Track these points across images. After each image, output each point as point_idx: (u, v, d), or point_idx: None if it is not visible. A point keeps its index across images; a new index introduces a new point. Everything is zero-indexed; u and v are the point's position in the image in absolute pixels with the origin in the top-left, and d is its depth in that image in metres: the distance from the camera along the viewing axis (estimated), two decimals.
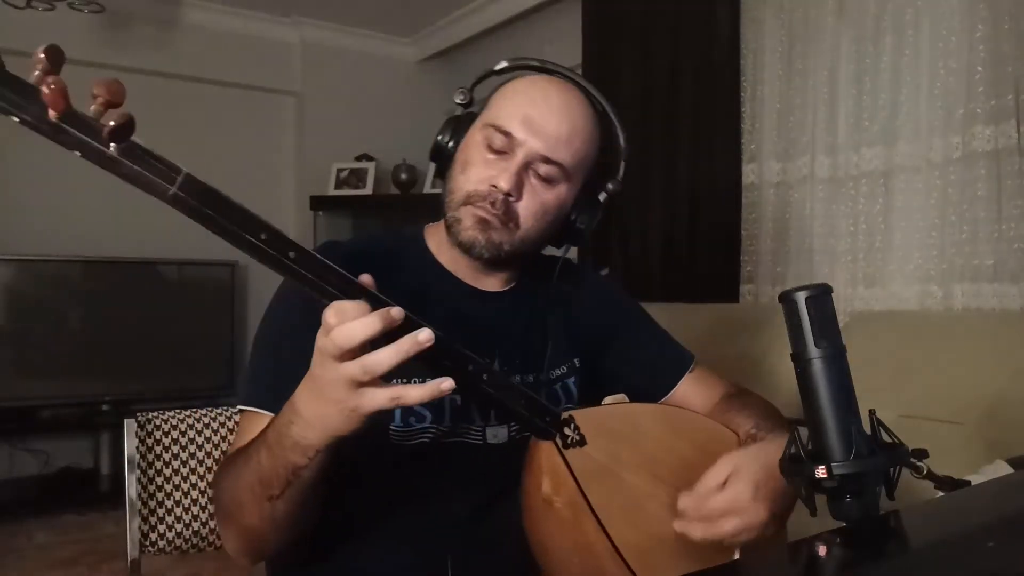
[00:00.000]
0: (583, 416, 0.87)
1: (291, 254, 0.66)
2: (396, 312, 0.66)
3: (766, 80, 2.68)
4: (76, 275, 3.55)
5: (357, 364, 0.65)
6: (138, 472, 1.22)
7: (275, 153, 4.28)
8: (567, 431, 0.86)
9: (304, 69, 4.24)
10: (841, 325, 0.67)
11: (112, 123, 0.57)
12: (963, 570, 0.51)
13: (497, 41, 3.94)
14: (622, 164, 1.03)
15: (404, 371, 0.89)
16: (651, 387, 1.08)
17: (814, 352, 0.65)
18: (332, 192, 4.06)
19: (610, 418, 0.91)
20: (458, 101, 1.00)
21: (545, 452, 0.86)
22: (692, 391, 1.08)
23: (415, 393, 0.67)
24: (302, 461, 0.73)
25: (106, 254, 3.60)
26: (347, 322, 0.64)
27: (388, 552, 0.93)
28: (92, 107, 0.59)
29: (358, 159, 4.13)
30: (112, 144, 0.59)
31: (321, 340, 0.66)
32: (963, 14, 2.13)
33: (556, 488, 0.85)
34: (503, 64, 1.00)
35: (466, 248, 0.94)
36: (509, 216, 0.92)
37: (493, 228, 0.92)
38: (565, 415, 0.86)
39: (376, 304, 0.67)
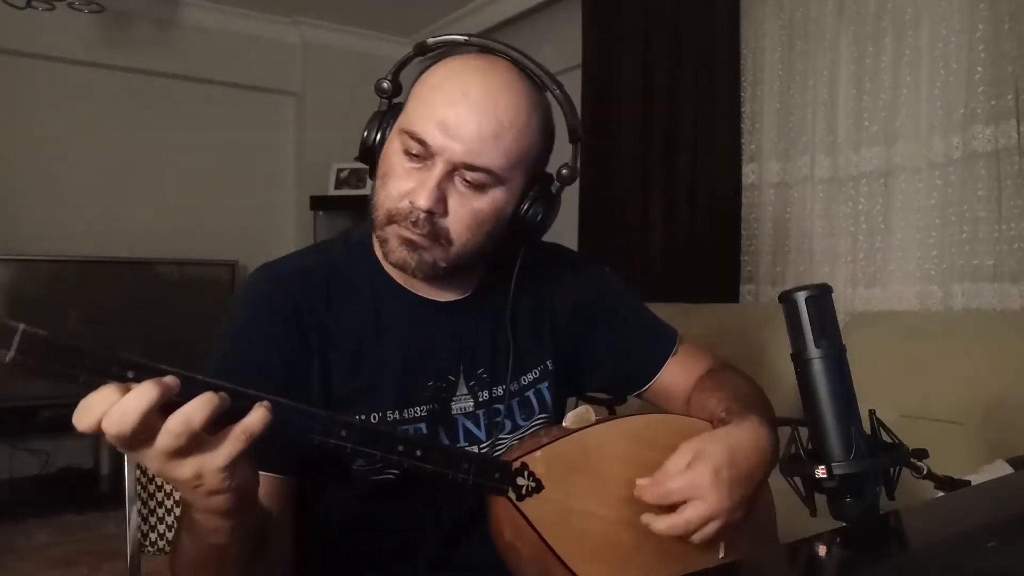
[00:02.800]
0: (537, 459, 0.83)
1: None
2: (170, 379, 0.56)
3: (766, 80, 2.68)
4: (75, 275, 3.55)
5: (165, 430, 0.56)
6: (138, 472, 1.22)
7: (275, 153, 4.28)
8: (521, 480, 0.81)
9: (304, 69, 4.24)
10: (841, 325, 0.67)
11: None
12: (963, 570, 0.51)
13: (497, 41, 3.93)
14: (575, 147, 0.90)
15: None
16: (635, 374, 1.04)
17: (814, 352, 0.65)
18: (332, 192, 4.06)
19: (568, 451, 0.85)
20: (381, 93, 0.88)
21: (502, 504, 0.82)
22: (676, 373, 1.03)
23: (222, 452, 0.58)
24: (222, 541, 0.66)
25: (106, 254, 3.60)
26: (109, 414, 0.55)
27: None
28: None
29: (358, 159, 4.12)
30: None
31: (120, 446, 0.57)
32: (963, 14, 2.13)
33: (518, 537, 0.82)
34: (427, 42, 0.87)
35: (399, 269, 0.85)
36: (437, 233, 0.82)
37: (422, 248, 0.82)
38: (517, 464, 0.81)
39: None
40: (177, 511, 1.24)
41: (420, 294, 0.92)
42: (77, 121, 3.69)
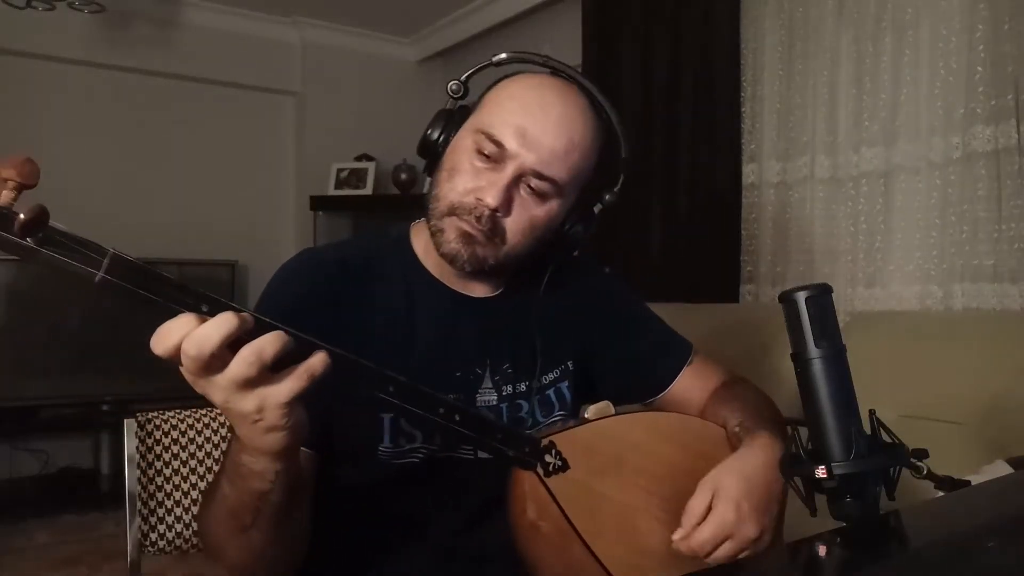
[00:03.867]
0: (564, 439, 0.85)
1: None
2: (247, 316, 0.59)
3: (766, 80, 2.68)
4: None
5: (239, 358, 0.59)
6: (138, 472, 1.22)
7: (275, 153, 4.28)
8: (548, 458, 0.84)
9: (304, 69, 4.24)
10: (841, 325, 0.67)
11: (23, 217, 0.54)
12: (963, 570, 0.51)
13: (497, 41, 3.94)
14: (621, 176, 0.97)
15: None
16: (649, 383, 1.06)
17: (814, 352, 0.65)
18: (332, 192, 4.06)
19: (592, 436, 0.88)
20: (451, 93, 0.93)
21: (528, 480, 0.84)
22: (689, 385, 1.06)
23: (285, 387, 0.61)
24: (264, 487, 0.68)
25: None
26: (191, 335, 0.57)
27: (381, 570, 0.92)
28: (3, 192, 0.55)
29: (358, 159, 4.13)
30: (28, 238, 0.55)
31: (193, 371, 0.59)
32: (963, 14, 2.13)
33: (541, 514, 0.84)
34: (503, 56, 0.93)
35: (448, 260, 0.89)
36: (495, 231, 0.87)
37: (477, 243, 0.87)
38: (545, 441, 0.84)
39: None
40: (178, 511, 1.24)
41: (453, 288, 0.96)
42: (77, 121, 3.69)
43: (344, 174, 4.09)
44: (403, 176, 4.05)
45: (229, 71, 4.04)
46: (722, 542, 0.81)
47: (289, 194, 4.29)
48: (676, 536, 0.83)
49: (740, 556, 0.82)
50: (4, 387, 3.32)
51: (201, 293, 0.60)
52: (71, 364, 3.46)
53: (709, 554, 0.81)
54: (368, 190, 4.02)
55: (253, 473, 0.68)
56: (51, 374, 3.44)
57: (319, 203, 4.03)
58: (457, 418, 0.75)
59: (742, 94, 2.75)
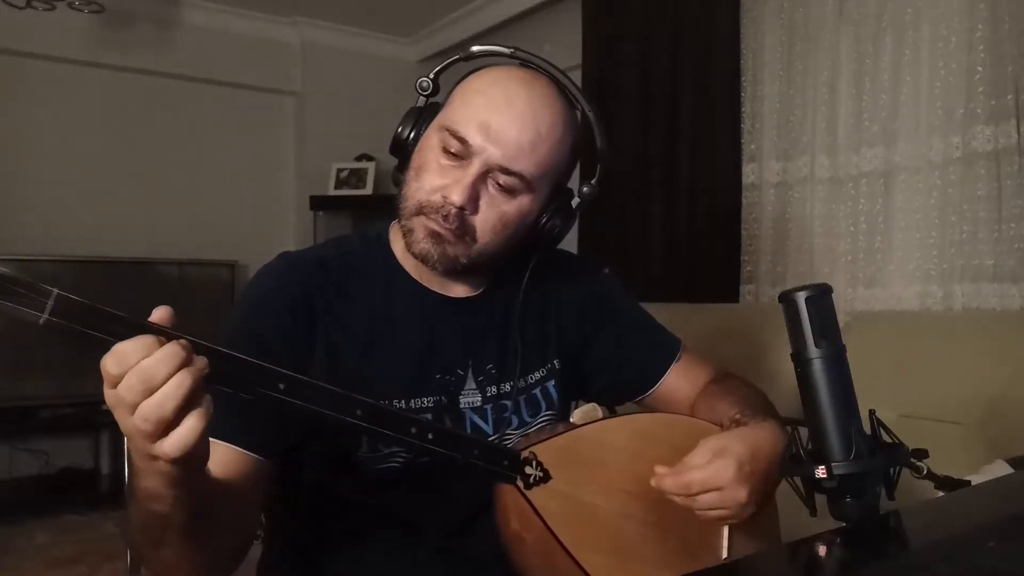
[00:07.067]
0: (546, 448, 0.85)
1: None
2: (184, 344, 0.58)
3: (766, 80, 2.68)
4: (75, 275, 3.55)
5: (139, 415, 0.57)
6: None
7: (275, 153, 4.28)
8: (528, 470, 0.83)
9: (304, 69, 4.24)
10: (841, 325, 0.67)
11: None
12: (963, 570, 0.51)
13: (496, 41, 3.93)
14: (599, 167, 0.95)
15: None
16: (637, 381, 1.06)
17: (814, 352, 0.65)
18: (332, 192, 4.06)
19: (575, 444, 0.87)
20: (421, 90, 0.91)
21: (509, 493, 0.83)
22: (678, 381, 1.05)
23: (190, 426, 0.59)
24: (164, 509, 0.66)
25: (106, 254, 3.60)
26: (133, 368, 0.56)
27: (376, 571, 0.91)
28: None
29: (358, 159, 4.13)
30: None
31: (107, 393, 0.58)
32: (963, 14, 2.13)
33: (524, 526, 0.84)
34: (472, 50, 0.91)
35: (420, 260, 0.88)
36: (464, 230, 0.85)
37: (447, 242, 0.86)
38: (525, 453, 0.83)
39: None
40: None
41: (433, 289, 0.94)
42: (77, 121, 3.69)
43: (344, 174, 4.09)
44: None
45: (229, 71, 4.04)
46: (710, 490, 0.80)
47: (289, 194, 4.29)
48: (660, 469, 0.82)
49: (719, 514, 0.81)
50: (4, 387, 3.32)
51: (160, 328, 0.58)
52: (71, 364, 3.45)
53: (692, 495, 0.81)
54: (368, 190, 4.02)
55: (151, 497, 0.66)
56: (51, 374, 3.44)
57: (319, 203, 4.03)
58: (430, 436, 0.74)
59: (742, 94, 2.75)
